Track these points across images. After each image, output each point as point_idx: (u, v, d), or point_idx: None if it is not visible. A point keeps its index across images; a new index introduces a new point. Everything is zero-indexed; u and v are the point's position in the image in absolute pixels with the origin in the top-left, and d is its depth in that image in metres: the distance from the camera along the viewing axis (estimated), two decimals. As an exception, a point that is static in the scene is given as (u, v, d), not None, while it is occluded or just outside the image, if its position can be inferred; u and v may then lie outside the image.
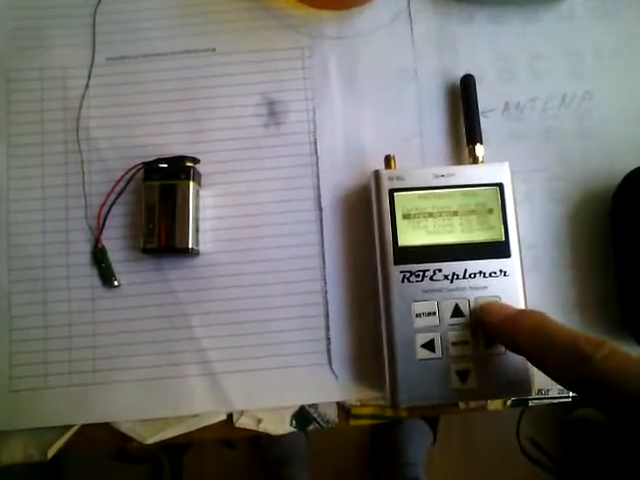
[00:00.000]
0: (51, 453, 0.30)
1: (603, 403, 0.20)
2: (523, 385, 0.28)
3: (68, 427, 0.30)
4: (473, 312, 0.28)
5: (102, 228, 0.32)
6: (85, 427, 0.30)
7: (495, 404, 0.31)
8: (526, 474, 0.95)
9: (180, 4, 0.34)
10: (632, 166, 0.31)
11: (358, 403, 0.31)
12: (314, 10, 0.34)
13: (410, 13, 0.34)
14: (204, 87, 0.33)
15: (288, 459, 0.88)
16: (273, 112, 0.33)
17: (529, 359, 0.24)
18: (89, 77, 0.33)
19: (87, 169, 0.33)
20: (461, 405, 0.31)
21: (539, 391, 0.31)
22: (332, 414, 0.31)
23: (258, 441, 0.91)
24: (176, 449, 0.96)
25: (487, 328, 0.27)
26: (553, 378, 0.22)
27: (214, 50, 0.34)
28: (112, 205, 0.32)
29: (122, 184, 0.32)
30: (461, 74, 0.33)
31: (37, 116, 0.33)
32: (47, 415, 0.30)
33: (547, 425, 0.97)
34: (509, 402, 0.31)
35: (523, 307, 0.28)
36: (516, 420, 0.96)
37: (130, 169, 0.32)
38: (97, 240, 0.32)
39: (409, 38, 0.34)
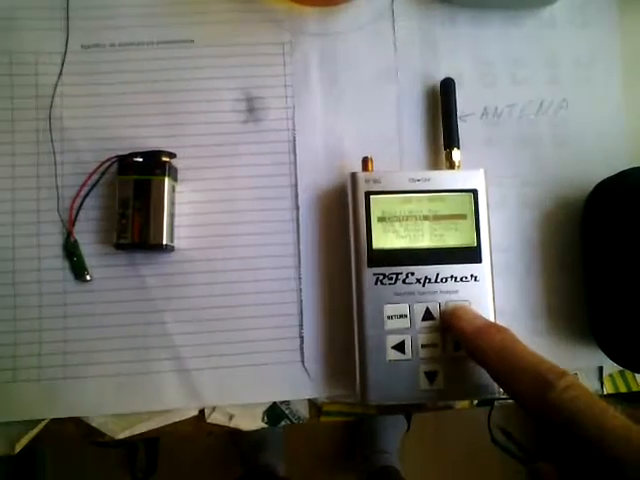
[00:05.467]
0: (19, 447, 0.30)
1: (557, 433, 0.21)
2: (489, 387, 0.28)
3: (37, 421, 0.30)
4: (443, 314, 0.29)
5: (74, 221, 0.31)
6: (54, 421, 0.30)
7: (462, 403, 0.32)
8: (496, 462, 0.99)
9: (159, -8, 0.33)
10: (604, 175, 0.31)
11: (328, 400, 0.32)
12: (297, 5, 0.33)
13: (393, 13, 0.34)
14: (181, 79, 0.33)
15: (264, 445, 0.90)
16: (252, 108, 0.33)
17: (492, 375, 0.25)
18: (62, 64, 0.32)
19: (59, 160, 0.32)
20: (429, 404, 0.32)
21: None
22: (304, 411, 0.32)
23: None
24: (152, 434, 0.96)
25: (455, 333, 0.28)
26: (515, 399, 0.23)
27: (192, 42, 0.33)
28: (85, 197, 0.31)
29: (96, 177, 0.31)
30: (441, 77, 0.33)
31: (7, 102, 0.32)
32: (15, 409, 0.30)
33: (517, 415, 1.00)
34: (475, 402, 0.32)
35: (492, 312, 0.29)
36: (488, 410, 0.99)
37: (104, 162, 0.31)
38: (69, 233, 0.31)
39: (391, 38, 0.34)
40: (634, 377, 0.33)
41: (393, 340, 0.29)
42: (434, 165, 0.33)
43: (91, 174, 0.31)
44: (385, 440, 0.93)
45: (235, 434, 0.93)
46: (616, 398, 0.32)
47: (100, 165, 0.31)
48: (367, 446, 0.93)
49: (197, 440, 0.97)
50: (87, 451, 0.96)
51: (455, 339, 0.28)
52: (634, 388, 0.33)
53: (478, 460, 1.00)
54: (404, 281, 0.29)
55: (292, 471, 0.92)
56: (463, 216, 0.29)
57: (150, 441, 0.96)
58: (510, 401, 0.32)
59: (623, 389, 0.33)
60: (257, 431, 0.31)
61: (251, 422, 0.31)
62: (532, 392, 0.22)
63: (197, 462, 0.97)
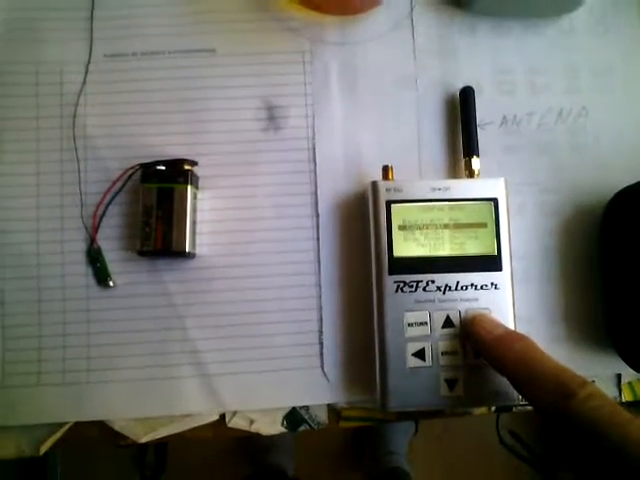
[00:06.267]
0: (44, 449, 0.30)
1: (578, 441, 0.21)
2: (509, 394, 0.29)
3: (61, 424, 0.31)
4: (463, 322, 0.29)
5: (98, 228, 0.32)
6: (78, 425, 0.31)
7: (481, 410, 0.32)
8: (504, 464, 0.98)
9: (181, 2, 0.34)
10: (624, 183, 0.32)
11: (347, 406, 0.32)
12: (316, 14, 0.34)
13: (412, 22, 0.34)
14: (203, 88, 0.33)
15: (274, 446, 0.90)
16: (272, 117, 0.33)
17: (513, 382, 0.25)
18: (86, 73, 0.33)
19: (83, 167, 0.32)
20: (448, 411, 0.32)
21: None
22: (323, 416, 0.32)
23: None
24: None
25: (475, 341, 0.28)
26: (534, 406, 0.23)
27: (214, 51, 0.33)
28: (108, 205, 0.32)
29: (119, 184, 0.32)
30: (461, 85, 0.33)
31: (32, 112, 0.33)
32: (40, 412, 0.30)
33: (525, 417, 1.00)
34: (493, 408, 0.32)
35: (512, 320, 0.29)
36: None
37: (127, 170, 0.31)
38: (93, 240, 0.32)
39: (410, 47, 0.34)
40: (653, 385, 0.33)
41: (413, 347, 0.29)
42: (453, 173, 0.33)
43: (114, 182, 0.32)
44: (394, 441, 0.93)
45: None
46: (637, 407, 0.32)
47: (123, 173, 0.31)
48: (376, 447, 0.93)
49: (206, 439, 0.98)
50: (98, 450, 0.96)
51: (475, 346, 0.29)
52: (653, 396, 0.33)
53: (486, 462, 1.00)
54: (424, 289, 0.29)
55: (301, 471, 0.92)
56: (483, 224, 0.29)
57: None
58: (529, 408, 0.32)
59: (642, 397, 0.33)
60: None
61: (271, 427, 0.32)
62: (553, 400, 0.22)
63: (206, 462, 0.97)
